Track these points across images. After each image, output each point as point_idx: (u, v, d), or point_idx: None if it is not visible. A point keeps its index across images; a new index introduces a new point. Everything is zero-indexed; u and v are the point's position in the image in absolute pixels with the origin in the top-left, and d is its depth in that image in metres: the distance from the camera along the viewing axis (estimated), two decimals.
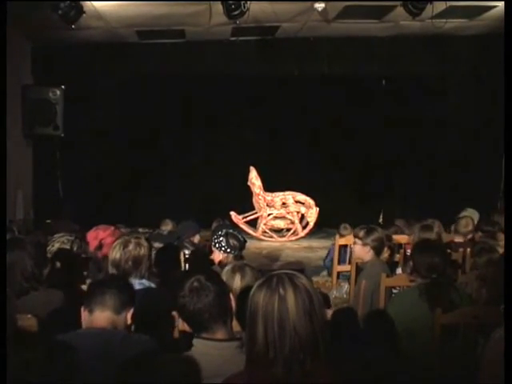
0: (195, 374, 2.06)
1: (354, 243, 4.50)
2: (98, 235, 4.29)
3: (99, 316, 2.45)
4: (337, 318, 3.61)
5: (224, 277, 2.93)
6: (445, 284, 3.42)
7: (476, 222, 5.57)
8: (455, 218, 5.65)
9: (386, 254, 4.81)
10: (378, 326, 3.47)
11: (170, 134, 9.48)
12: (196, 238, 5.61)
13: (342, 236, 5.92)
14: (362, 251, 4.44)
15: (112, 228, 4.47)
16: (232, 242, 3.98)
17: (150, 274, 3.50)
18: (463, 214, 6.05)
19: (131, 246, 3.30)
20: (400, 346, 3.25)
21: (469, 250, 4.59)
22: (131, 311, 2.52)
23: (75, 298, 3.07)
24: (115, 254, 3.29)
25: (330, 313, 3.67)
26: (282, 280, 1.82)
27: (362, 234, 4.41)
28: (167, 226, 6.11)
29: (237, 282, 2.89)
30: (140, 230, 7.06)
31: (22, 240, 3.35)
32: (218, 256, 4.02)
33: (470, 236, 5.24)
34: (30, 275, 3.13)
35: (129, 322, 2.52)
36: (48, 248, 4.11)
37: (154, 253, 3.73)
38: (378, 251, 4.43)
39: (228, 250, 3.94)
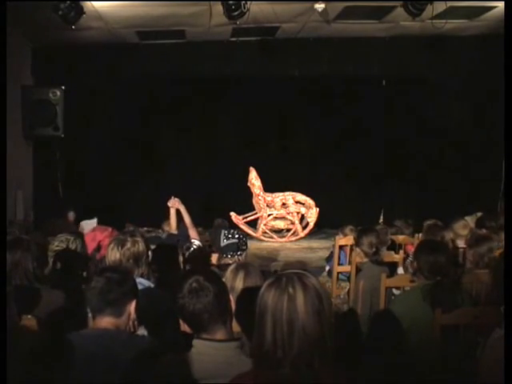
0: (195, 375, 2.06)
1: (353, 245, 4.54)
2: (96, 237, 4.28)
3: (100, 321, 2.44)
4: (338, 320, 3.61)
5: (228, 275, 2.94)
6: (448, 285, 3.42)
7: (475, 221, 5.58)
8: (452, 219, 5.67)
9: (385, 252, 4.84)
10: (383, 327, 3.47)
11: (170, 134, 9.48)
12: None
13: (345, 235, 5.90)
14: (357, 253, 4.50)
15: (109, 229, 4.47)
16: (229, 244, 3.99)
17: (152, 273, 3.49)
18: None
19: (129, 244, 3.27)
20: (401, 346, 3.25)
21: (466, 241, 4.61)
22: (133, 304, 2.48)
23: (76, 298, 3.07)
24: (114, 254, 3.26)
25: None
26: (292, 280, 1.81)
27: (356, 237, 4.50)
28: (164, 230, 6.11)
29: (239, 281, 2.90)
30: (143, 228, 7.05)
31: (25, 240, 3.35)
32: (215, 257, 4.03)
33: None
34: (33, 275, 3.13)
35: (132, 315, 2.49)
36: (50, 247, 4.11)
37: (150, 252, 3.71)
38: (368, 255, 4.48)
39: (226, 252, 3.96)
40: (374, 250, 4.52)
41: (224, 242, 4.79)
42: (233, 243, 4.48)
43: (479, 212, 6.58)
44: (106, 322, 2.43)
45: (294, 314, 1.76)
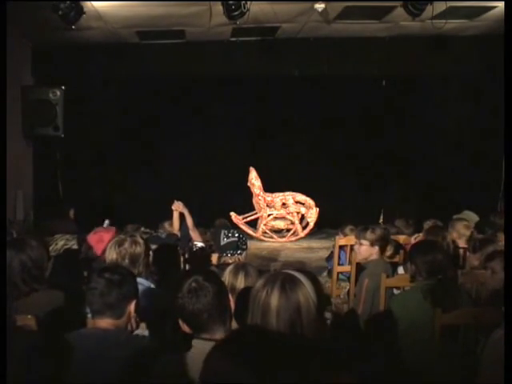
0: (194, 375, 2.06)
1: (361, 244, 4.50)
2: (103, 238, 4.25)
3: (100, 322, 2.44)
4: (338, 320, 3.61)
5: (227, 276, 2.95)
6: (448, 285, 3.42)
7: (474, 224, 5.58)
8: (452, 218, 5.68)
9: (389, 251, 4.84)
10: (380, 326, 3.48)
11: (169, 135, 9.47)
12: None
13: (345, 235, 5.89)
14: (369, 251, 4.46)
15: (114, 229, 4.46)
16: (229, 242, 4.00)
17: (150, 274, 3.49)
18: (459, 216, 6.05)
19: (127, 244, 3.30)
20: (401, 346, 3.25)
21: (468, 246, 4.61)
22: (133, 304, 2.48)
23: (76, 299, 3.06)
24: (112, 254, 3.30)
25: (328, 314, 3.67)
26: (288, 279, 1.89)
27: (368, 234, 4.44)
28: (165, 229, 6.11)
29: (239, 281, 2.91)
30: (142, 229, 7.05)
31: (22, 241, 3.34)
32: (215, 256, 4.04)
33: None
34: (30, 276, 3.12)
35: (132, 314, 2.48)
36: (51, 247, 4.10)
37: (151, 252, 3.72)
38: (383, 250, 4.48)
39: (225, 251, 3.96)
40: (386, 245, 4.57)
41: (224, 241, 4.80)
42: (232, 242, 4.49)
43: (467, 210, 6.59)
44: (105, 322, 2.43)
45: (294, 313, 1.81)
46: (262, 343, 1.44)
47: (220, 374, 1.37)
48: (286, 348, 1.46)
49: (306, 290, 1.91)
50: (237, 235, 5.14)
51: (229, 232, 5.24)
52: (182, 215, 5.38)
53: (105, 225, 5.58)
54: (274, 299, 1.90)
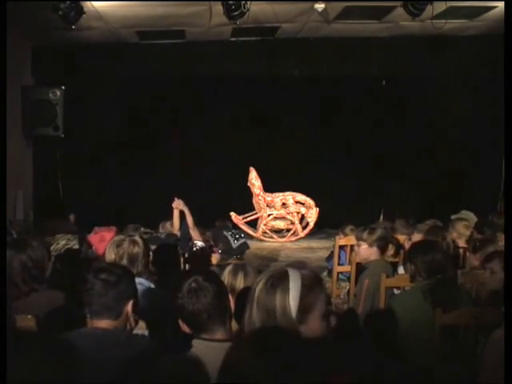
0: (195, 375, 2.06)
1: (359, 245, 4.49)
2: (104, 237, 4.25)
3: (98, 322, 2.44)
4: (338, 320, 3.61)
5: (226, 277, 2.95)
6: (448, 284, 3.42)
7: (474, 224, 5.58)
8: (451, 219, 5.69)
9: (391, 251, 4.83)
10: (380, 326, 3.48)
11: (170, 134, 9.47)
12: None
13: (345, 235, 5.88)
14: (368, 252, 4.45)
15: (114, 228, 4.46)
16: (241, 244, 4.01)
17: (149, 274, 3.49)
18: (458, 216, 6.06)
19: (125, 244, 3.31)
20: (401, 346, 3.25)
21: (468, 246, 4.61)
22: (130, 303, 2.46)
23: (76, 299, 3.06)
24: (110, 254, 3.30)
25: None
26: (275, 276, 1.95)
27: (365, 235, 4.43)
28: (167, 229, 6.11)
29: (239, 281, 2.91)
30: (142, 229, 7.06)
31: (22, 241, 3.35)
32: (215, 256, 4.04)
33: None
34: (30, 277, 3.12)
35: (129, 314, 2.48)
36: (52, 247, 4.11)
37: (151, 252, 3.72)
38: (383, 250, 4.47)
39: (237, 253, 3.97)
40: (386, 245, 4.56)
41: (235, 244, 4.78)
42: (243, 244, 4.48)
43: (465, 210, 6.61)
44: (103, 323, 2.42)
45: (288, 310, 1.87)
46: (280, 343, 1.44)
47: (238, 374, 1.38)
48: (296, 348, 1.46)
49: (287, 292, 1.92)
50: (243, 236, 5.11)
51: (235, 233, 5.20)
52: (182, 214, 5.36)
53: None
54: (257, 290, 1.98)
